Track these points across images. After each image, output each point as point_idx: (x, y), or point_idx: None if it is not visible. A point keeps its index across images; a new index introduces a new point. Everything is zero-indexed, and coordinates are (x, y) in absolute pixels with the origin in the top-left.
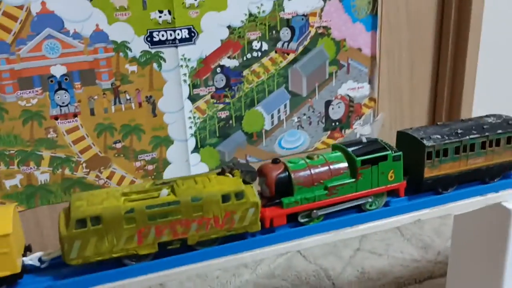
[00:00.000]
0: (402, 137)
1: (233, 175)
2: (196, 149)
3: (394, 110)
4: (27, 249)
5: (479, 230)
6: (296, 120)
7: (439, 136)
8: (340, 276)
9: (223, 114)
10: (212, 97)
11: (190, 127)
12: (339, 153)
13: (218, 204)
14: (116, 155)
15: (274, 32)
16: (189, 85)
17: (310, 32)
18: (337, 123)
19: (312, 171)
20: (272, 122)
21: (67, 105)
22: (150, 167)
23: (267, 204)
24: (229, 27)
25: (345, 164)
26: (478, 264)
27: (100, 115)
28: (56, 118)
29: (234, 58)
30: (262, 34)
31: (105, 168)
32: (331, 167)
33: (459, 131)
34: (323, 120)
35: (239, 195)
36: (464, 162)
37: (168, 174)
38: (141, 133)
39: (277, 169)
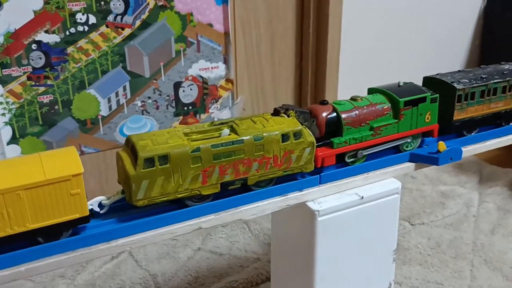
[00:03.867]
0: (430, 82)
1: (288, 116)
2: (13, 140)
3: (256, 91)
4: None
5: (288, 229)
6: (139, 104)
7: (466, 80)
8: (169, 283)
9: (45, 98)
10: (29, 78)
11: (3, 114)
12: (380, 95)
13: (278, 143)
14: None
15: (102, 3)
16: None
17: (148, 4)
18: (190, 107)
19: (359, 112)
20: (110, 107)
21: None
22: None
23: (317, 145)
24: None
25: (388, 105)
26: (292, 266)
27: None
28: None
29: (53, 32)
30: (88, 5)
31: None
32: (376, 108)
33: (483, 76)
34: (173, 104)
35: (297, 134)
36: (487, 106)
37: None
38: None
39: (326, 110)
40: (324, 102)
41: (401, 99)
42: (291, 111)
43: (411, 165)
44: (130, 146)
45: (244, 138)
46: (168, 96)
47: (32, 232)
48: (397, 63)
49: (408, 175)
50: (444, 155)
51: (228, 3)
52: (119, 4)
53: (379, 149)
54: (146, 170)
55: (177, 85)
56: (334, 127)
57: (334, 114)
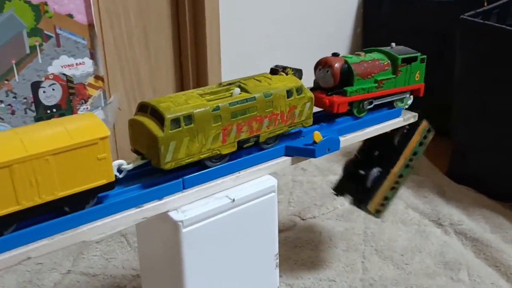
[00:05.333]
0: None
1: (286, 74)
2: None
3: (132, 88)
4: None
5: (153, 243)
6: None
7: None
8: None
9: None
10: None
11: None
12: (379, 53)
13: (284, 99)
14: None
15: None
16: None
17: None
18: (54, 110)
19: (366, 65)
20: None
21: None
22: None
23: (331, 93)
24: None
25: (388, 62)
26: (161, 284)
27: None
28: None
29: None
30: None
31: None
32: (379, 63)
33: None
34: (33, 108)
35: (299, 90)
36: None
37: None
38: None
39: (339, 61)
40: (336, 54)
41: (399, 56)
42: (289, 69)
43: (287, 159)
44: (148, 111)
45: (256, 95)
46: (25, 98)
47: (59, 201)
48: (283, 52)
49: (298, 167)
50: (321, 146)
51: None
52: None
53: (382, 102)
54: (173, 131)
55: (35, 86)
56: (346, 77)
57: (347, 65)
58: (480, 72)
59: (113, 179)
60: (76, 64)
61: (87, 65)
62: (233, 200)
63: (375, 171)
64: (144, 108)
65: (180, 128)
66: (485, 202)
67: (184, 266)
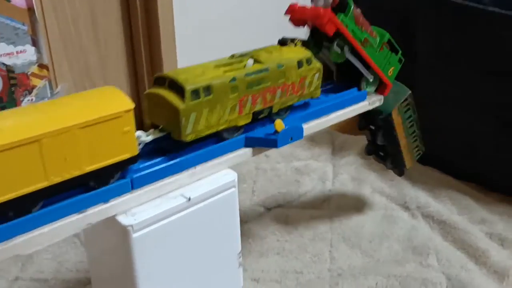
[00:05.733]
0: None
1: (295, 45)
2: None
3: (80, 76)
4: None
5: (102, 250)
6: None
7: None
8: None
9: None
10: None
11: None
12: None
13: (295, 69)
14: None
15: None
16: None
17: None
18: None
19: (362, 17)
20: None
21: None
22: None
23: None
24: None
25: (377, 33)
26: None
27: None
28: None
29: None
30: None
31: None
32: (370, 27)
33: None
34: None
35: (309, 61)
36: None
37: None
38: None
39: None
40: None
41: (387, 34)
42: (298, 40)
43: (247, 151)
44: (166, 83)
45: (269, 66)
46: None
47: (85, 176)
48: (242, 27)
49: (262, 154)
50: (283, 135)
51: None
52: None
53: (357, 65)
54: (193, 102)
55: None
56: (343, 5)
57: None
58: (440, 53)
59: (137, 152)
60: (17, 52)
61: (29, 53)
62: (189, 199)
63: (389, 148)
64: (161, 81)
65: (200, 99)
66: (451, 183)
67: (136, 274)
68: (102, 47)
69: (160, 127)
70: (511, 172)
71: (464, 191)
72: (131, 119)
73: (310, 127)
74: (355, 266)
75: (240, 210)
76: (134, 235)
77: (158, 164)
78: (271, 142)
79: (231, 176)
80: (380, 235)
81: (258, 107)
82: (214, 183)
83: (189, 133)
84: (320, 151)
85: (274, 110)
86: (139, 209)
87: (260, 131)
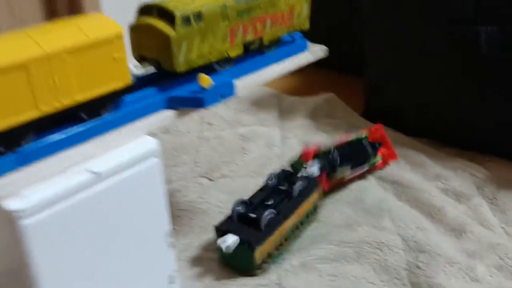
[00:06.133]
0: None
1: None
2: None
3: None
4: None
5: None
6: None
7: None
8: None
9: None
10: None
11: None
12: None
13: None
14: None
15: None
16: None
17: None
18: None
19: None
20: None
21: None
22: None
23: None
24: None
25: None
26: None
27: None
28: None
29: None
30: None
31: None
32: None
33: None
34: None
35: None
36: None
37: None
38: None
39: None
40: None
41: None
42: None
43: (169, 114)
44: (155, 11)
45: None
46: None
47: (76, 108)
48: None
49: (204, 122)
50: (211, 92)
51: None
52: None
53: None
54: (184, 29)
55: None
56: None
57: None
58: (387, 4)
59: (130, 82)
60: None
61: None
62: (97, 173)
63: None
64: (148, 10)
65: (191, 27)
66: (403, 140)
67: (32, 270)
68: None
69: (150, 60)
70: (466, 124)
71: (417, 147)
72: (121, 45)
73: (245, 84)
74: (307, 236)
75: (181, 183)
76: (24, 222)
77: (57, 133)
78: (197, 101)
79: (150, 143)
80: (330, 199)
81: (249, 38)
82: (129, 153)
83: (181, 63)
84: (267, 115)
85: (265, 41)
86: (31, 190)
87: (185, 88)
